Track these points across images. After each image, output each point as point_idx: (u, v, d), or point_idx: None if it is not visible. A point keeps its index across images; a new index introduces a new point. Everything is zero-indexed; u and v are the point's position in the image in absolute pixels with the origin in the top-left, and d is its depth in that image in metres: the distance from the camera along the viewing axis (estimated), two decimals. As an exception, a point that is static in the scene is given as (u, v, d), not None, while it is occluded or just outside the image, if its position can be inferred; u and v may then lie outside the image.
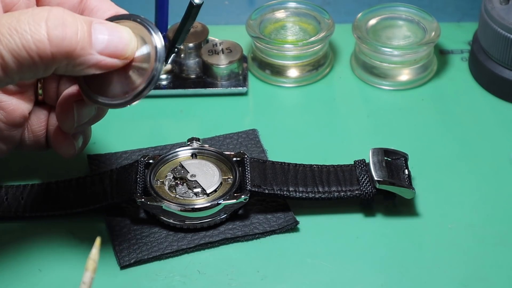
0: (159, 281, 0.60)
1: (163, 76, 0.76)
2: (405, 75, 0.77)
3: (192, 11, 0.72)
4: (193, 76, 0.77)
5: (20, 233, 0.63)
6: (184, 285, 0.59)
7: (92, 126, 0.73)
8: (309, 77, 0.78)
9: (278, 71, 0.77)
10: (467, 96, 0.76)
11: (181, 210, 0.61)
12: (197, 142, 0.66)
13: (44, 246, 0.62)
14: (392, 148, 0.66)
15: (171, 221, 0.62)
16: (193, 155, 0.66)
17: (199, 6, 0.72)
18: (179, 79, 0.77)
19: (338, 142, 0.71)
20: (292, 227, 0.63)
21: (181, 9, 0.73)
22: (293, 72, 0.78)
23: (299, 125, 0.73)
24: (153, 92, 0.75)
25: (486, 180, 0.67)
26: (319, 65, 0.78)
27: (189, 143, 0.67)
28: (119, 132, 0.73)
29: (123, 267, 0.61)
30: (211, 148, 0.66)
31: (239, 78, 0.76)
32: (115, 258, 0.61)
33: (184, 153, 0.66)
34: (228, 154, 0.65)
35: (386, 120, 0.73)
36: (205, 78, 0.77)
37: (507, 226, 0.63)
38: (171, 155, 0.66)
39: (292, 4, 0.80)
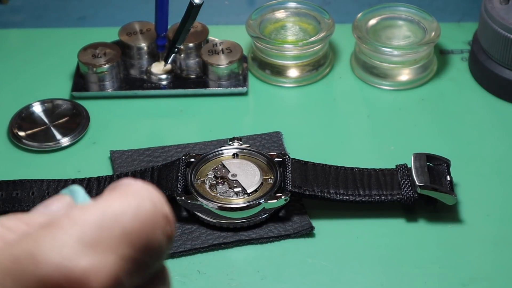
0: (159, 281, 0.60)
1: (163, 76, 0.76)
2: (405, 75, 0.77)
3: (192, 11, 0.72)
4: (193, 76, 0.77)
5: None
6: (184, 285, 0.59)
7: (93, 126, 0.73)
8: (309, 77, 0.78)
9: (278, 71, 0.77)
10: (467, 96, 0.76)
11: (220, 209, 0.62)
12: (239, 142, 0.67)
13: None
14: (434, 153, 0.66)
15: (210, 219, 0.62)
16: (235, 155, 0.66)
17: (199, 6, 0.72)
18: (179, 79, 0.77)
19: (338, 142, 0.71)
20: (307, 232, 0.63)
21: (181, 9, 0.73)
22: (293, 72, 0.77)
23: (299, 125, 0.73)
24: (153, 92, 0.76)
25: (485, 179, 0.67)
26: (319, 65, 0.78)
27: (230, 142, 0.67)
28: (119, 132, 0.73)
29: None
30: (253, 148, 0.66)
31: (239, 78, 0.76)
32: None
33: (225, 153, 0.66)
34: (269, 155, 0.65)
35: (386, 120, 0.73)
36: (205, 78, 0.77)
37: (505, 225, 0.63)
38: (212, 154, 0.66)
39: (292, 4, 0.80)
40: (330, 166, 0.65)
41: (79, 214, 0.32)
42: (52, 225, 0.32)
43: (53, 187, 0.66)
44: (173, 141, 0.70)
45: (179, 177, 0.63)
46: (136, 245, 0.33)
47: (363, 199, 0.63)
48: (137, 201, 0.34)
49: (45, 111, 0.74)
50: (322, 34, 0.76)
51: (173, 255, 0.61)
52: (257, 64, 0.78)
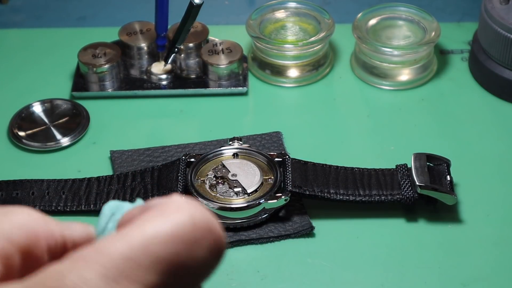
0: (159, 281, 0.60)
1: (163, 76, 0.76)
2: (405, 75, 0.77)
3: (192, 11, 0.72)
4: (193, 76, 0.77)
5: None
6: (184, 285, 0.59)
7: (93, 126, 0.73)
8: (309, 77, 0.78)
9: (278, 71, 0.77)
10: (467, 96, 0.76)
11: (220, 209, 0.62)
12: (239, 142, 0.67)
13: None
14: (434, 153, 0.66)
15: None
16: (235, 155, 0.66)
17: (199, 6, 0.72)
18: (179, 79, 0.77)
19: (338, 142, 0.71)
20: (307, 232, 0.63)
21: (181, 9, 0.73)
22: (293, 72, 0.77)
23: (299, 125, 0.73)
24: (153, 92, 0.76)
25: (485, 179, 0.67)
26: (319, 65, 0.78)
27: (230, 142, 0.67)
28: (119, 132, 0.73)
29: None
30: (253, 148, 0.66)
31: (239, 78, 0.76)
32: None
33: (225, 153, 0.66)
34: (269, 155, 0.65)
35: (386, 120, 0.73)
36: (205, 78, 0.77)
37: (505, 225, 0.63)
38: (212, 154, 0.66)
39: (292, 4, 0.80)
40: (330, 166, 0.65)
41: (106, 245, 0.31)
42: (79, 258, 0.31)
43: (53, 187, 0.66)
44: (173, 141, 0.70)
45: (179, 177, 0.63)
46: (168, 270, 0.31)
47: (363, 199, 0.63)
48: (173, 221, 0.31)
49: (45, 111, 0.74)
50: (322, 34, 0.76)
51: None
52: (257, 64, 0.78)
